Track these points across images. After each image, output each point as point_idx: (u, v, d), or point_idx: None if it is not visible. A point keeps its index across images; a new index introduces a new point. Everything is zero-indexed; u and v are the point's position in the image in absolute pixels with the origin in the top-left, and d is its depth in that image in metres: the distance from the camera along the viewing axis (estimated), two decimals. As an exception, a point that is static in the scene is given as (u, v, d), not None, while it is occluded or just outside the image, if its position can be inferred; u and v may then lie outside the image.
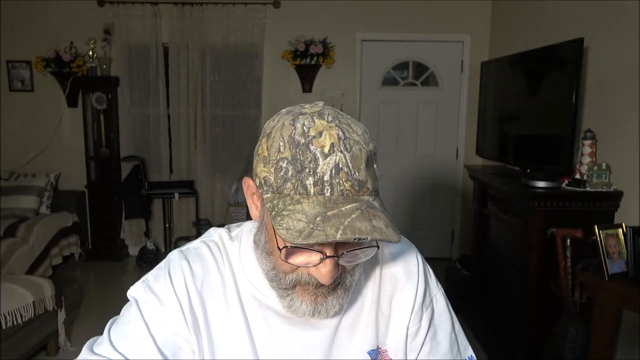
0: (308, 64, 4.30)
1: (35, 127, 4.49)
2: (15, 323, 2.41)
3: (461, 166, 4.39)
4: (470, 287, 3.34)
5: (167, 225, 4.50)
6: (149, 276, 0.73)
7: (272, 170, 0.60)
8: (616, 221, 2.30)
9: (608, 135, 2.43)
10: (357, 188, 0.59)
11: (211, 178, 4.53)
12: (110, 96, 4.33)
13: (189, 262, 0.73)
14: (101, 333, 0.74)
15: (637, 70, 2.22)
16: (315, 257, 0.61)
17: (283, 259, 0.62)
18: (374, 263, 0.77)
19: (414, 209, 4.58)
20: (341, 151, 0.59)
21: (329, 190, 0.57)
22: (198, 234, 4.42)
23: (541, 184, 2.41)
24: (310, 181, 0.57)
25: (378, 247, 0.63)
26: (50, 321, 2.71)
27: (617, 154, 2.36)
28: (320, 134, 0.59)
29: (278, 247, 0.62)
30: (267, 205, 0.60)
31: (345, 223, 0.54)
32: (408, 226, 4.54)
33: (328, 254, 0.60)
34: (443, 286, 0.85)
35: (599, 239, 1.90)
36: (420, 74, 4.45)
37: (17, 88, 4.46)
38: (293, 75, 4.40)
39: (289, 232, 0.54)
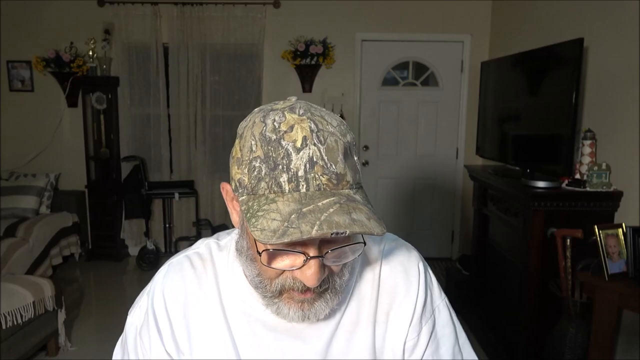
0: (308, 64, 4.30)
1: (35, 127, 4.49)
2: (15, 323, 2.41)
3: (461, 166, 4.39)
4: (470, 287, 3.34)
5: (167, 225, 4.50)
6: (141, 302, 0.76)
7: (246, 171, 0.58)
8: (616, 221, 2.30)
9: (608, 135, 2.43)
10: (335, 182, 0.56)
11: (211, 178, 4.53)
12: (110, 96, 4.34)
13: (170, 284, 0.73)
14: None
15: (637, 70, 2.22)
16: (299, 259, 0.58)
17: (265, 263, 0.59)
18: (372, 274, 0.74)
19: (414, 209, 4.58)
20: (314, 144, 0.56)
21: (305, 186, 0.55)
22: (198, 234, 4.42)
23: (541, 184, 2.41)
24: (284, 178, 0.55)
25: (365, 243, 0.61)
26: (50, 321, 2.70)
27: (617, 154, 2.36)
28: (291, 128, 0.57)
29: (258, 251, 0.59)
30: (242, 208, 0.58)
31: (322, 218, 0.52)
32: (408, 226, 4.54)
33: (311, 254, 0.57)
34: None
35: (599, 239, 1.90)
36: (420, 74, 4.45)
37: (17, 88, 4.46)
38: (293, 75, 4.40)
39: (263, 232, 0.52)
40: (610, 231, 1.94)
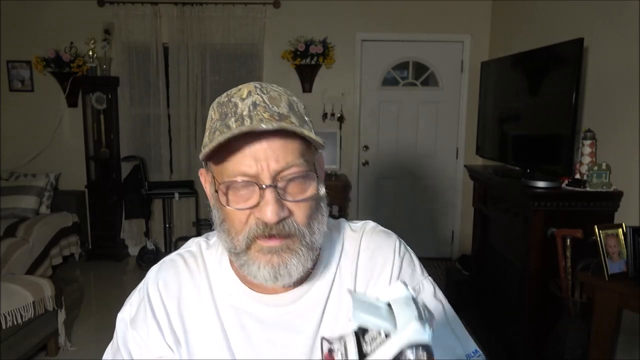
0: (308, 64, 4.29)
1: (35, 127, 4.49)
2: (15, 323, 2.41)
3: (461, 166, 4.39)
4: (470, 287, 3.34)
5: (167, 225, 4.50)
6: (133, 299, 0.76)
7: (207, 134, 0.66)
8: (616, 221, 2.30)
9: (608, 135, 2.43)
10: (277, 118, 0.62)
11: (211, 178, 4.52)
12: (110, 96, 4.33)
13: (164, 279, 0.74)
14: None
15: (637, 70, 2.22)
16: (255, 195, 0.62)
17: (225, 204, 0.64)
18: (351, 262, 0.76)
19: (414, 209, 4.58)
20: (258, 94, 0.65)
21: (249, 122, 0.61)
22: (198, 234, 4.39)
23: (541, 184, 2.41)
24: (232, 120, 0.62)
25: (317, 175, 0.65)
26: (50, 321, 2.70)
27: (617, 154, 2.36)
28: (239, 89, 0.67)
29: (220, 200, 0.65)
30: (200, 157, 0.65)
31: (254, 123, 0.60)
32: (408, 226, 4.53)
33: (266, 183, 0.61)
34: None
35: (599, 239, 1.90)
36: (420, 74, 4.45)
37: (17, 88, 4.46)
38: (293, 75, 4.40)
39: (204, 148, 0.62)
40: (610, 231, 1.94)
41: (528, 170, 2.63)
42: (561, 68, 2.42)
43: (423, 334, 0.39)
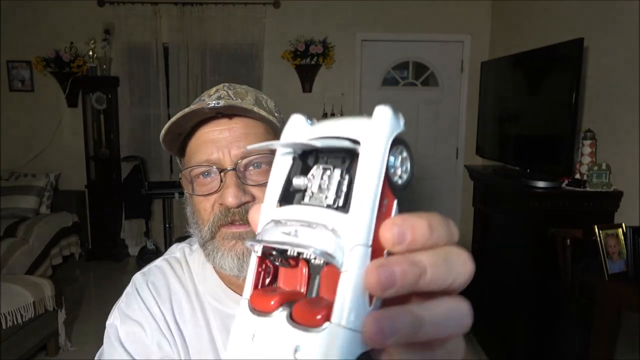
0: (308, 64, 4.29)
1: (35, 127, 4.49)
2: (15, 323, 2.41)
3: (461, 166, 4.39)
4: (470, 287, 3.33)
5: (167, 225, 4.49)
6: (121, 304, 0.74)
7: None
8: (616, 221, 2.30)
9: (608, 135, 2.43)
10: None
11: (211, 178, 4.53)
12: (110, 96, 4.33)
13: (154, 283, 0.74)
14: (101, 333, 0.74)
15: (637, 70, 2.22)
16: (217, 180, 0.64)
17: (191, 192, 0.66)
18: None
19: (414, 209, 4.55)
20: (225, 90, 0.69)
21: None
22: (198, 234, 4.42)
23: (541, 184, 2.40)
24: (192, 107, 0.65)
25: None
26: (50, 321, 2.70)
27: (617, 154, 2.35)
28: (210, 89, 0.71)
29: (186, 188, 0.67)
30: (161, 144, 0.69)
31: (211, 105, 0.62)
32: (408, 226, 4.53)
33: (227, 167, 0.63)
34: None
35: (599, 239, 1.90)
36: (420, 74, 4.45)
37: (17, 88, 4.46)
38: (293, 75, 4.40)
39: (166, 128, 0.65)
40: (610, 231, 1.94)
41: (528, 170, 2.63)
42: (561, 68, 2.42)
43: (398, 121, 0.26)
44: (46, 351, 2.77)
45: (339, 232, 0.24)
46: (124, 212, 4.47)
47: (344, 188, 0.25)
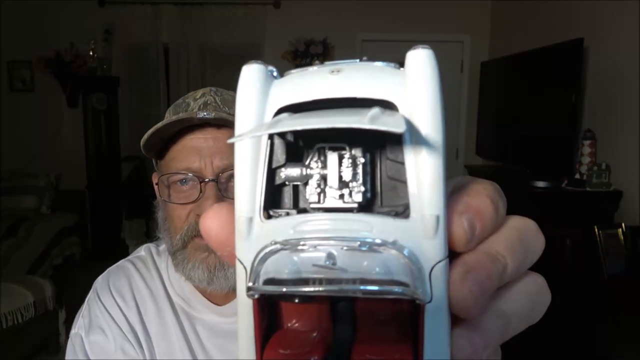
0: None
1: (36, 127, 4.49)
2: (15, 323, 2.41)
3: (461, 166, 4.39)
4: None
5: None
6: (84, 311, 0.72)
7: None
8: (616, 221, 2.29)
9: (608, 135, 2.43)
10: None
11: (211, 178, 4.54)
12: (110, 96, 4.33)
13: (115, 284, 0.72)
14: None
15: (637, 70, 2.22)
16: (196, 190, 0.62)
17: (167, 199, 0.63)
18: None
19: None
20: (211, 95, 0.66)
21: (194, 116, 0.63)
22: (198, 234, 4.42)
23: (541, 184, 2.41)
24: (181, 116, 0.63)
25: None
26: (50, 321, 2.70)
27: (617, 154, 2.35)
28: (196, 92, 0.68)
29: (162, 194, 0.65)
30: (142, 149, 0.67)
31: (200, 115, 0.61)
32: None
33: (207, 177, 0.62)
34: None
35: (598, 239, 1.90)
36: (421, 74, 4.45)
37: (18, 88, 4.46)
38: (293, 75, 4.40)
39: (149, 134, 0.63)
40: (610, 231, 1.94)
41: (528, 170, 2.63)
42: (561, 68, 2.42)
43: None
44: (46, 351, 2.77)
45: (407, 248, 0.16)
46: (125, 212, 4.47)
47: (385, 178, 0.17)
